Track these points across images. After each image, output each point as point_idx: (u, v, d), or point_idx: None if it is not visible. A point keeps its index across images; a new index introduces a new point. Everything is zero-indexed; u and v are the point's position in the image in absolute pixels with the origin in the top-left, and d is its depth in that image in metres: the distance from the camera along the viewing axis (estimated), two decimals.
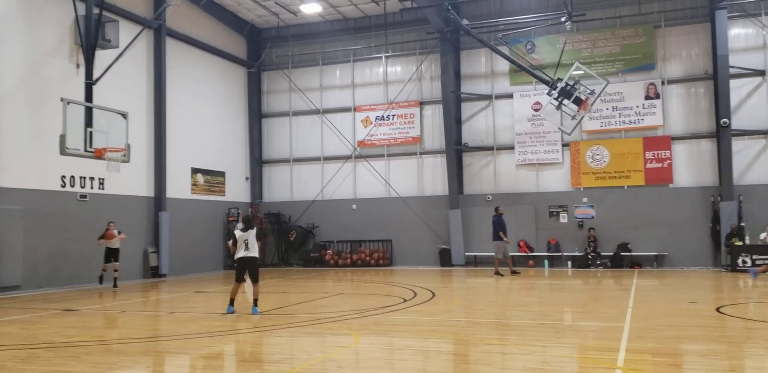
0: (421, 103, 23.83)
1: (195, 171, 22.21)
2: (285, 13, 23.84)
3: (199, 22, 22.69)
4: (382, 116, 24.17)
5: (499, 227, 18.31)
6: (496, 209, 18.92)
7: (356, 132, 24.49)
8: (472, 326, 9.35)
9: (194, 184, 22.16)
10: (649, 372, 6.12)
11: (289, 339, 8.39)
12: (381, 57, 24.36)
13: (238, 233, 10.65)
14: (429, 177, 23.64)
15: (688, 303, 11.29)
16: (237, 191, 24.46)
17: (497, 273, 18.13)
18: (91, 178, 17.63)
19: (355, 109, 24.57)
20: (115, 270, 16.08)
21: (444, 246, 22.74)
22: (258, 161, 25.52)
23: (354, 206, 24.13)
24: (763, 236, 18.78)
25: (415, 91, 23.99)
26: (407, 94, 24.00)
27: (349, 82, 24.85)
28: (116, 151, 14.92)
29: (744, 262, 18.09)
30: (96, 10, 16.15)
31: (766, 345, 7.44)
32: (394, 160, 24.16)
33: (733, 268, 18.21)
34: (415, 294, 13.31)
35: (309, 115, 25.22)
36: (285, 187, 25.43)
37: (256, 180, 25.40)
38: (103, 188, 17.99)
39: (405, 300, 12.27)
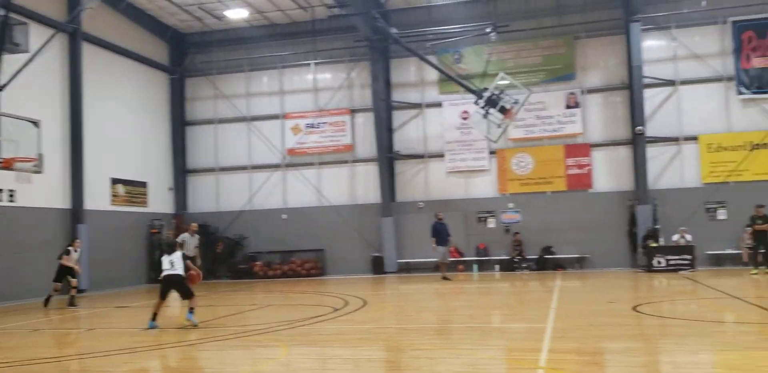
0: (353, 111, 23.88)
1: (115, 181, 21.43)
2: (209, 18, 23.43)
3: (118, 27, 21.98)
4: (313, 124, 24.06)
5: (435, 233, 18.61)
6: (437, 215, 19.21)
7: (286, 140, 24.26)
8: (402, 333, 9.40)
9: (114, 195, 21.38)
10: (570, 371, 6.30)
11: (216, 353, 8.19)
12: (310, 64, 24.28)
13: (164, 257, 10.42)
14: (361, 185, 23.68)
15: (607, 303, 11.72)
16: (160, 201, 23.74)
17: (445, 278, 18.39)
18: (0, 190, 16.70)
19: (284, 117, 24.36)
20: (74, 287, 14.73)
21: (376, 254, 22.79)
22: (182, 171, 24.87)
23: (284, 216, 23.85)
24: (676, 237, 19.76)
25: (346, 99, 24.02)
26: (338, 102, 23.99)
27: (278, 88, 24.63)
28: (27, 161, 14.22)
29: (659, 262, 18.96)
30: (1, 12, 15.35)
31: (679, 341, 7.80)
32: (325, 169, 24.07)
33: (649, 268, 19.05)
34: (347, 303, 13.26)
35: (235, 122, 24.82)
36: (211, 197, 24.87)
37: (180, 190, 24.72)
38: (13, 200, 17.06)
39: (336, 309, 12.21)
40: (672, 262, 18.92)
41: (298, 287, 18.53)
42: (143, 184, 22.81)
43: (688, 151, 20.98)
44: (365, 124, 23.67)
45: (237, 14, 22.76)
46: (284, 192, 24.20)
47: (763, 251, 17.05)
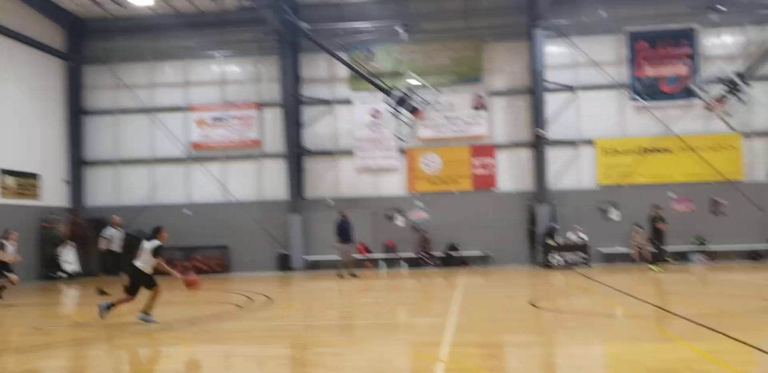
0: (261, 106, 23.47)
1: (3, 173, 20.07)
2: (111, 4, 22.30)
3: (10, 9, 20.53)
4: (219, 117, 23.45)
5: (339, 231, 18.60)
6: (341, 213, 19.18)
7: (190, 133, 23.53)
8: (308, 330, 9.35)
9: (3, 188, 20.02)
10: (469, 364, 6.48)
11: (112, 352, 7.84)
12: (217, 55, 23.65)
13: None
14: (269, 181, 23.32)
15: (507, 298, 12.15)
16: (54, 194, 22.41)
17: (353, 274, 18.44)
18: None
19: (188, 109, 23.60)
20: (12, 283, 13.84)
21: (283, 251, 22.54)
22: (78, 162, 23.57)
23: (187, 211, 23.13)
24: (572, 236, 20.76)
25: (254, 93, 23.57)
26: (246, 96, 23.50)
27: (182, 80, 23.81)
28: None
29: (556, 260, 19.87)
30: None
31: (572, 334, 8.20)
32: (231, 164, 23.55)
33: (547, 265, 19.92)
34: (251, 300, 13.05)
35: (137, 113, 23.78)
36: (110, 190, 23.73)
37: (76, 183, 23.44)
38: None
39: (240, 307, 11.98)
40: (568, 259, 19.89)
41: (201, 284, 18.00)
42: (35, 176, 21.47)
43: (585, 154, 22.06)
44: (274, 119, 23.34)
45: (141, 1, 21.78)
46: (188, 187, 23.46)
47: (658, 249, 18.11)
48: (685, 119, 21.45)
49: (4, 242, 14.01)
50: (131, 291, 9.83)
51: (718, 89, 19.53)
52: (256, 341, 8.21)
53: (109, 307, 9.81)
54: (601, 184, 21.80)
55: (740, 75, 19.32)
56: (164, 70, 23.93)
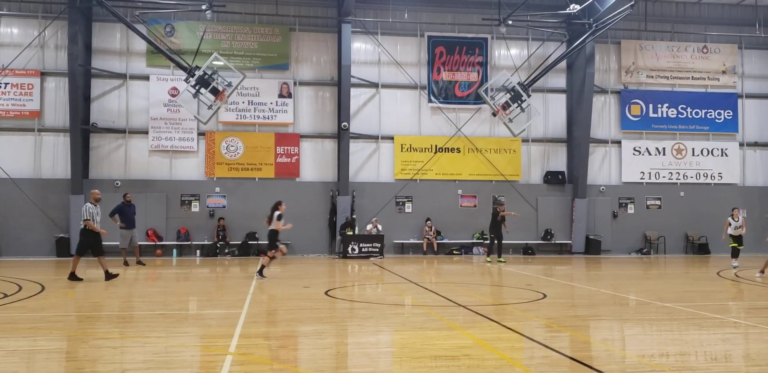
0: (43, 74, 21.10)
1: None
2: None
3: None
4: None
5: (121, 215, 17.16)
6: (125, 196, 17.80)
7: None
8: (84, 321, 8.58)
9: None
10: (259, 355, 6.39)
11: None
12: None
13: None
14: (48, 158, 21.09)
15: (303, 288, 12.23)
16: None
17: (140, 262, 17.26)
18: None
19: None
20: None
21: (62, 235, 20.53)
22: None
23: None
24: (369, 227, 21.52)
25: (36, 59, 21.13)
26: (25, 62, 20.98)
27: None
28: None
29: (353, 249, 20.45)
30: None
31: (362, 323, 8.46)
32: (4, 136, 20.90)
33: (344, 255, 20.43)
34: (20, 288, 11.69)
35: None
36: None
37: None
38: None
39: (6, 295, 10.67)
40: (364, 249, 20.56)
41: None
42: None
43: (385, 149, 22.97)
44: (57, 89, 21.15)
45: None
46: None
47: (496, 241, 19.18)
48: (474, 122, 23.24)
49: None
50: None
51: (504, 97, 21.41)
52: (22, 334, 7.35)
53: None
54: (397, 179, 22.84)
55: (522, 85, 21.34)
56: None
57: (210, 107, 19.63)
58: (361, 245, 20.66)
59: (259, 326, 7.96)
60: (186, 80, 19.39)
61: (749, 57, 24.67)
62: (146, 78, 21.72)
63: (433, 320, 8.55)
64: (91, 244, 13.23)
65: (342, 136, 21.96)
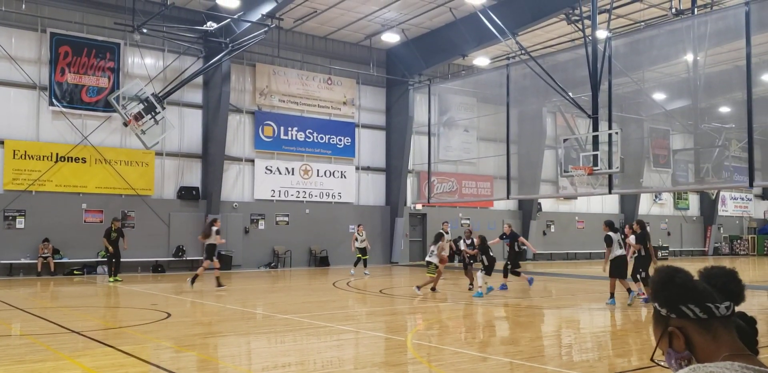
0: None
1: None
2: None
3: None
4: None
5: None
6: None
7: None
8: None
9: None
10: None
11: None
12: None
13: None
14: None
15: None
16: None
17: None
18: None
19: None
20: None
21: None
22: None
23: None
24: None
25: None
26: None
27: None
28: None
29: None
30: None
31: None
32: None
33: None
34: None
35: None
36: None
37: None
38: None
39: None
40: None
41: None
42: None
43: None
44: None
45: None
46: None
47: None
48: (103, 131, 21.63)
49: None
50: None
51: (137, 107, 20.43)
52: None
53: None
54: (8, 190, 19.92)
55: (157, 97, 20.68)
56: None
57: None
58: None
59: None
60: None
61: (365, 92, 28.13)
62: None
63: (37, 351, 7.58)
64: None
65: None
